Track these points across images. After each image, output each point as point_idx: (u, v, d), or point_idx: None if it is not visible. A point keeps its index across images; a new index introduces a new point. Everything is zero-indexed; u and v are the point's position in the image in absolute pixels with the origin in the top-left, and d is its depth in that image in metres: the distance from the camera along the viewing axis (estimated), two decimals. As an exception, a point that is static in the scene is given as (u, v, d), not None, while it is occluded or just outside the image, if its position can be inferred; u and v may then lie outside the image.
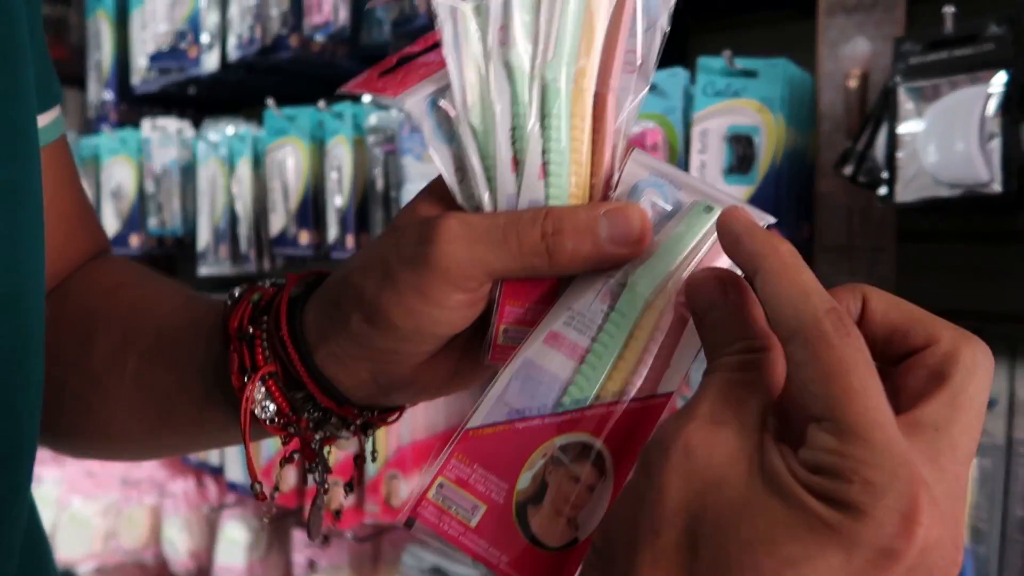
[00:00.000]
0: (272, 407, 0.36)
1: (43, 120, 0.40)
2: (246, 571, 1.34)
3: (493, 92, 0.30)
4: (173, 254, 1.59)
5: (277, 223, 1.15)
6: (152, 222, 1.34)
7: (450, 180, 0.31)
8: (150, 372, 0.41)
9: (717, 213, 0.28)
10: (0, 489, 0.31)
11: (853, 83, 0.81)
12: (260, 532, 1.36)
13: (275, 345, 0.35)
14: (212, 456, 1.32)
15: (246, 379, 0.35)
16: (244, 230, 1.20)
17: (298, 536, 1.28)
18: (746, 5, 1.02)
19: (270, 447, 1.21)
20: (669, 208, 0.30)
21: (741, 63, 0.75)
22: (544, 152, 0.30)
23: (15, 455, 0.32)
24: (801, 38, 0.89)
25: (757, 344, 0.26)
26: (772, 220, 0.29)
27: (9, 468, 0.32)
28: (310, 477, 0.39)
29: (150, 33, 1.35)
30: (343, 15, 1.11)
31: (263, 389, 0.36)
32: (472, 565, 0.29)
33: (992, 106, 0.62)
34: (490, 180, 0.30)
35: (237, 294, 0.39)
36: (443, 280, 0.29)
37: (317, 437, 0.37)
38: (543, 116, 0.30)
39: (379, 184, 1.03)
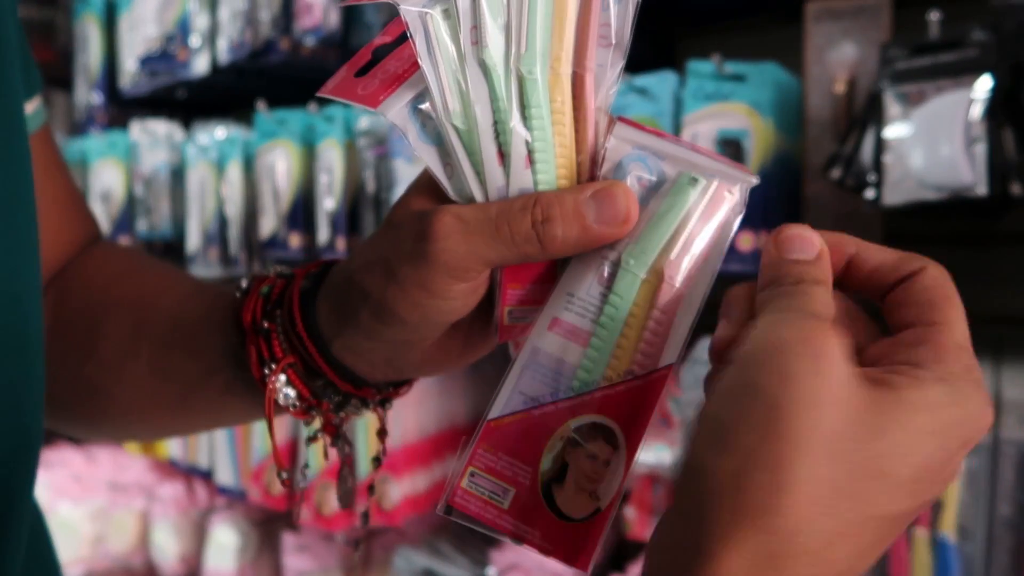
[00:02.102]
0: (293, 393, 0.37)
1: (26, 109, 0.40)
2: (236, 575, 1.33)
3: (472, 92, 0.30)
4: (162, 257, 1.59)
5: (267, 226, 1.15)
6: (141, 225, 1.33)
7: (440, 176, 0.31)
8: (166, 359, 0.42)
9: (701, 185, 0.30)
10: (10, 484, 0.31)
11: (840, 87, 0.82)
12: (250, 536, 1.36)
13: (292, 339, 0.37)
14: (201, 460, 1.32)
15: (265, 369, 0.37)
16: (234, 233, 1.20)
17: (288, 540, 1.28)
18: (733, 11, 1.03)
19: (260, 451, 1.21)
20: (655, 179, 0.31)
21: (730, 67, 0.76)
22: (528, 141, 0.30)
23: (24, 448, 0.32)
24: (788, 43, 0.90)
25: None
26: (755, 181, 0.30)
27: (19, 462, 0.32)
28: (333, 452, 0.40)
29: (139, 36, 1.35)
30: (334, 18, 1.11)
31: (283, 378, 0.37)
32: (510, 542, 0.31)
33: (977, 110, 0.63)
34: (479, 174, 0.31)
35: (245, 285, 0.39)
36: (443, 274, 0.30)
37: (339, 416, 0.39)
38: (523, 107, 0.30)
39: (370, 187, 1.04)
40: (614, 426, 0.30)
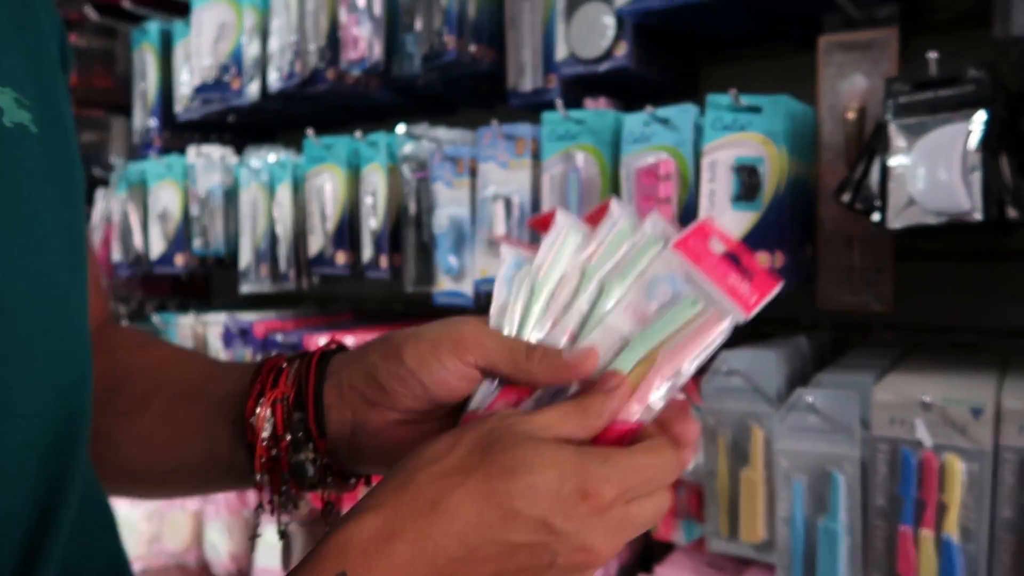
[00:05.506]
0: (270, 428, 0.45)
1: None
2: (284, 573, 1.41)
3: (564, 281, 0.44)
4: (214, 273, 1.68)
5: (315, 244, 1.23)
6: (196, 243, 1.42)
7: (494, 310, 0.44)
8: (176, 408, 0.48)
9: (700, 307, 0.41)
10: (65, 461, 0.37)
11: (851, 115, 0.87)
12: (296, 536, 1.43)
13: (300, 370, 0.45)
14: (253, 463, 1.40)
15: (261, 399, 0.45)
16: (284, 251, 1.28)
17: (333, 539, 1.35)
18: (753, 40, 1.08)
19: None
20: (671, 295, 0.42)
21: (746, 100, 0.82)
22: (580, 329, 0.43)
23: (78, 427, 0.38)
24: (805, 70, 0.95)
25: None
26: (745, 317, 0.41)
27: (74, 438, 0.38)
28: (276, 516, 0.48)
29: (196, 66, 1.44)
30: (377, 51, 1.19)
31: (268, 411, 0.45)
32: None
33: (973, 141, 0.68)
34: (521, 326, 0.44)
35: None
36: (454, 345, 0.42)
37: (291, 461, 0.45)
38: (591, 311, 0.43)
39: (411, 208, 1.11)
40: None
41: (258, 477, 0.45)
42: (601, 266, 0.43)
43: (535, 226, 0.46)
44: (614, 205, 0.44)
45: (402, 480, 0.37)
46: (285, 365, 0.46)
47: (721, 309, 0.41)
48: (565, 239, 0.44)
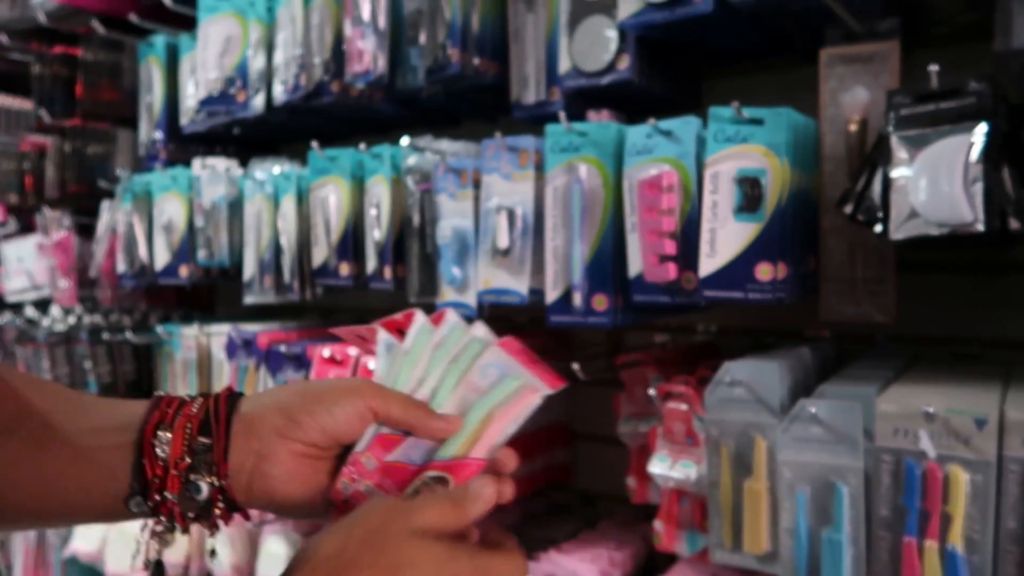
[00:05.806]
0: (172, 450, 0.48)
1: None
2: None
3: (419, 363, 0.58)
4: (218, 284, 1.69)
5: (319, 255, 1.23)
6: (201, 254, 1.43)
7: (375, 379, 0.57)
8: (47, 435, 0.48)
9: (520, 382, 0.56)
10: None
11: (853, 127, 0.88)
12: (299, 547, 1.43)
13: (208, 403, 0.50)
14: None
15: (161, 428, 0.49)
16: (288, 262, 1.28)
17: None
18: (755, 53, 1.09)
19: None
20: (498, 375, 0.57)
21: (748, 112, 0.82)
22: (431, 398, 0.57)
23: None
24: (806, 82, 0.96)
25: None
26: (551, 391, 0.57)
27: None
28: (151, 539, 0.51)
29: (201, 79, 1.45)
30: (381, 64, 1.20)
31: (168, 435, 0.49)
32: None
33: (975, 153, 0.69)
34: (394, 380, 0.57)
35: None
36: (361, 391, 0.52)
37: (185, 479, 0.48)
38: (440, 385, 0.57)
39: (415, 220, 1.11)
40: (449, 478, 0.54)
41: (163, 496, 0.48)
42: (445, 354, 0.58)
43: (399, 321, 0.59)
44: (448, 313, 0.60)
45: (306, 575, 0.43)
46: (188, 399, 0.51)
47: (535, 386, 0.56)
48: (420, 332, 0.59)
